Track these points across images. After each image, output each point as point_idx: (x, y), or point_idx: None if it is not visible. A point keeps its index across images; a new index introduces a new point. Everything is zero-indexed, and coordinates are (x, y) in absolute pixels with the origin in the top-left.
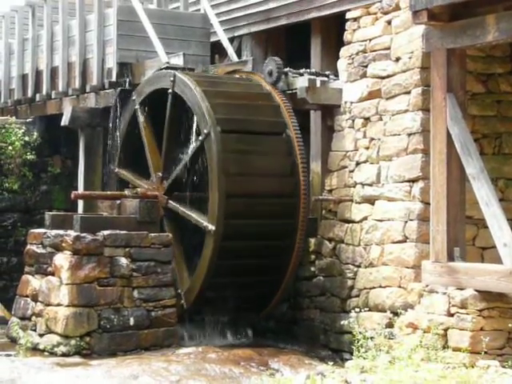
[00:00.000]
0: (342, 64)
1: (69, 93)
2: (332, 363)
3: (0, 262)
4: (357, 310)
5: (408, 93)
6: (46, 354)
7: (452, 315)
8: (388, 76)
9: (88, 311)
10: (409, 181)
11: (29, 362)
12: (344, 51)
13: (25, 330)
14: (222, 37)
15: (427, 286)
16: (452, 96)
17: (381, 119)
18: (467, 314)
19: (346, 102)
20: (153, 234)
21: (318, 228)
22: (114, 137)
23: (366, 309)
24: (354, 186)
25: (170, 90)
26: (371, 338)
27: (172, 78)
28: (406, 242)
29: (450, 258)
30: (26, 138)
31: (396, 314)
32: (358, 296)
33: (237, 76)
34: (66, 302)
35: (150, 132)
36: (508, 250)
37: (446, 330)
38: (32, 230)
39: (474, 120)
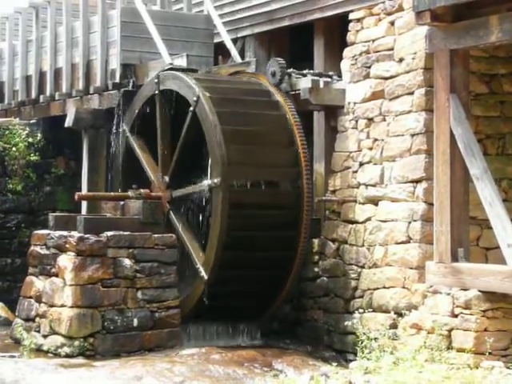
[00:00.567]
0: (345, 65)
1: (72, 94)
2: (336, 364)
3: (4, 263)
4: (360, 310)
5: (411, 93)
6: (49, 355)
7: (456, 316)
8: (391, 77)
9: (92, 312)
10: (412, 181)
11: (32, 363)
12: (347, 52)
13: (28, 331)
14: (226, 38)
15: (431, 286)
16: (455, 97)
17: (384, 120)
18: (471, 314)
19: (349, 103)
20: (156, 235)
21: (322, 229)
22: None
23: (369, 310)
24: (358, 187)
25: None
26: (375, 338)
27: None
28: (409, 242)
29: (454, 258)
30: (30, 140)
31: (400, 314)
32: (361, 297)
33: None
34: (70, 303)
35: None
36: None
37: (450, 330)
38: (36, 231)
39: (478, 120)
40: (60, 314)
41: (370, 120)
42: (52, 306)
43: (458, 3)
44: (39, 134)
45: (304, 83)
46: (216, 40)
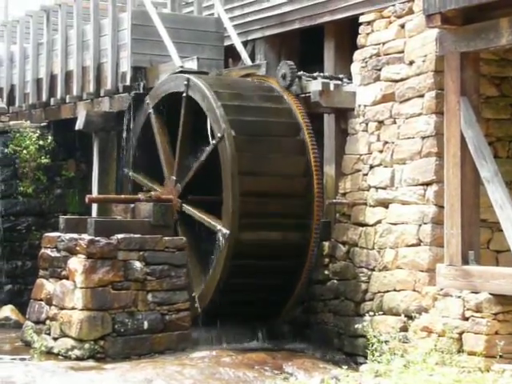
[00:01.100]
0: (355, 67)
1: (83, 97)
2: (346, 367)
3: (14, 266)
4: (371, 313)
5: (422, 96)
6: (60, 357)
7: (467, 319)
8: (402, 79)
9: (102, 315)
10: (423, 184)
11: (43, 365)
12: (357, 55)
13: (39, 333)
14: (236, 41)
15: (442, 289)
16: (466, 99)
17: (394, 122)
18: (482, 317)
19: (359, 106)
20: (167, 238)
21: (332, 231)
22: (128, 141)
23: (380, 312)
24: (368, 190)
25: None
26: (385, 341)
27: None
28: (420, 245)
29: (465, 261)
30: (41, 142)
31: (410, 317)
32: (372, 300)
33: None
34: (80, 306)
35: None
36: None
37: (460, 333)
38: (46, 234)
39: (488, 123)
40: (70, 316)
41: (381, 123)
42: (62, 308)
43: (469, 6)
44: (50, 137)
45: (314, 86)
46: (226, 43)
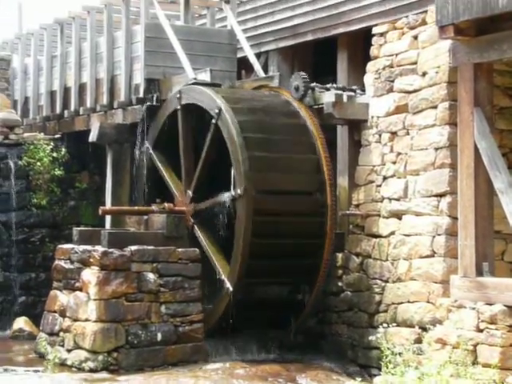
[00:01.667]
0: (368, 79)
1: (97, 109)
2: (360, 379)
3: (28, 278)
4: (385, 325)
5: (435, 107)
6: (73, 369)
7: (481, 331)
8: (415, 90)
9: (115, 327)
10: (436, 195)
11: (56, 377)
12: (371, 66)
13: (53, 345)
14: (249, 52)
15: (456, 301)
16: (479, 110)
17: (408, 134)
18: (497, 329)
19: (372, 117)
20: (180, 250)
21: (346, 243)
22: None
23: (394, 324)
24: (382, 201)
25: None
26: (399, 353)
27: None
28: (434, 256)
29: (479, 272)
30: (54, 154)
31: (424, 329)
32: (385, 311)
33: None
34: (94, 318)
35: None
36: None
37: (475, 345)
38: (60, 246)
39: (502, 134)
40: (84, 328)
41: (394, 134)
42: (76, 320)
43: (482, 17)
44: (63, 149)
45: (327, 97)
46: (239, 55)
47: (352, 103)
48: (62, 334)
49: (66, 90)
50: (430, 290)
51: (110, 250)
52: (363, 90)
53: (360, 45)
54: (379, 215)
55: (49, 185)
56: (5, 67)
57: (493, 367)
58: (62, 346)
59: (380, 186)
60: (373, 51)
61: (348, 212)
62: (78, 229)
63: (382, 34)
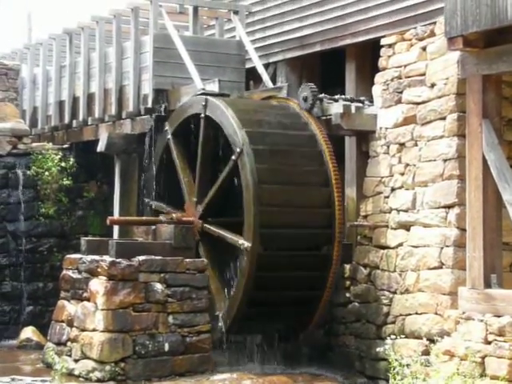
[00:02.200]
0: (376, 90)
1: (105, 119)
2: None
3: (36, 288)
4: (392, 336)
5: (443, 119)
6: (81, 379)
7: (489, 343)
8: (423, 102)
9: (123, 337)
10: (444, 207)
11: None
12: (379, 77)
13: (60, 355)
14: (257, 63)
15: (464, 312)
16: (488, 122)
17: (416, 145)
18: (505, 341)
19: (380, 128)
20: (188, 260)
21: (353, 254)
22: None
23: (401, 336)
24: (390, 212)
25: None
26: (407, 365)
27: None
28: (442, 268)
29: (487, 284)
30: (63, 164)
31: (432, 341)
32: (393, 322)
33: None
34: (101, 328)
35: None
36: None
37: (483, 357)
38: (68, 256)
39: (510, 146)
40: (91, 338)
41: (402, 145)
42: (83, 330)
43: (490, 29)
44: (72, 159)
45: (336, 108)
46: (248, 65)
47: (360, 114)
48: (69, 343)
49: (75, 100)
50: (437, 301)
51: (118, 260)
52: (371, 101)
53: (368, 56)
54: (387, 226)
55: (57, 194)
56: (14, 77)
57: (501, 379)
58: (70, 355)
59: (388, 197)
60: (381, 62)
61: (356, 223)
62: (86, 239)
63: (390, 46)
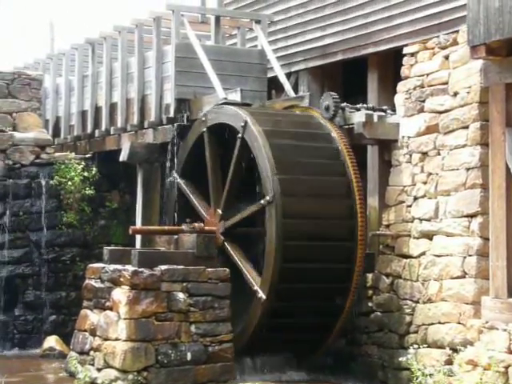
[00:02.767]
0: (399, 99)
1: (127, 129)
2: None
3: (59, 297)
4: (415, 346)
5: (466, 127)
6: None
7: None
8: (446, 111)
9: (146, 346)
10: (467, 216)
11: None
12: (401, 86)
13: (83, 364)
14: (279, 72)
15: (487, 322)
16: (511, 131)
17: (438, 154)
18: None
19: (403, 137)
20: (210, 269)
21: (376, 263)
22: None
23: (424, 345)
24: (412, 221)
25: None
26: (430, 374)
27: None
28: (465, 277)
29: (511, 294)
30: (85, 174)
31: (455, 350)
32: (416, 332)
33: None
34: (124, 337)
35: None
36: None
37: (506, 367)
38: (90, 265)
39: None
40: (114, 347)
41: (425, 154)
42: (106, 339)
43: None
44: (94, 168)
45: (358, 117)
46: (269, 74)
47: (382, 123)
48: (92, 352)
49: (97, 110)
50: (460, 311)
51: (141, 269)
52: (394, 110)
53: (390, 65)
54: (410, 235)
55: (79, 204)
56: (36, 87)
57: None
58: (93, 364)
59: (410, 206)
60: (403, 71)
61: (378, 232)
62: (109, 248)
63: (412, 54)
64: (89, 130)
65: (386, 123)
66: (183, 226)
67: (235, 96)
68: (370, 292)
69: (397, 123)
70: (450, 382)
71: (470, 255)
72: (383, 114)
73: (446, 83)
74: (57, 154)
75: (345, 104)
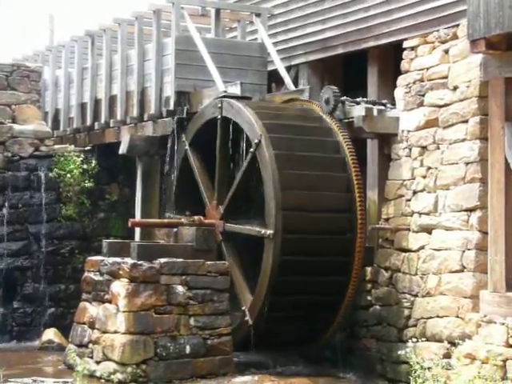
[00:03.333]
0: (399, 93)
1: (127, 121)
2: None
3: (58, 289)
4: (414, 339)
5: (465, 122)
6: (102, 381)
7: (511, 346)
8: (445, 105)
9: (144, 339)
10: (466, 210)
11: None
12: (401, 80)
13: (82, 357)
14: (279, 66)
15: (485, 316)
16: (510, 125)
17: (438, 148)
18: None
19: (402, 131)
20: (209, 262)
21: (375, 257)
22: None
23: (423, 339)
24: (411, 215)
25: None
26: (428, 368)
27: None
28: (463, 271)
29: (509, 288)
30: (85, 166)
31: (454, 344)
32: (414, 326)
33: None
34: (123, 330)
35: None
36: None
37: (504, 360)
38: (89, 258)
39: None
40: (113, 340)
41: (424, 148)
42: (105, 332)
43: None
44: (94, 161)
45: (358, 111)
46: (270, 68)
47: (382, 117)
48: (91, 345)
49: (97, 102)
50: (459, 304)
51: (140, 262)
52: (393, 104)
53: (390, 58)
54: (409, 229)
55: (79, 197)
56: (36, 79)
57: None
58: (91, 357)
59: (410, 200)
60: (403, 65)
61: (377, 226)
62: (108, 241)
63: (412, 48)
64: (88, 122)
65: (385, 117)
66: (182, 219)
67: (235, 89)
68: (369, 286)
69: (396, 117)
70: (448, 376)
71: (468, 249)
72: (383, 107)
73: (446, 77)
74: (56, 147)
75: (345, 98)
